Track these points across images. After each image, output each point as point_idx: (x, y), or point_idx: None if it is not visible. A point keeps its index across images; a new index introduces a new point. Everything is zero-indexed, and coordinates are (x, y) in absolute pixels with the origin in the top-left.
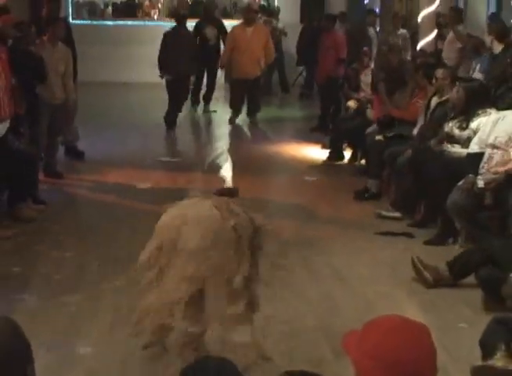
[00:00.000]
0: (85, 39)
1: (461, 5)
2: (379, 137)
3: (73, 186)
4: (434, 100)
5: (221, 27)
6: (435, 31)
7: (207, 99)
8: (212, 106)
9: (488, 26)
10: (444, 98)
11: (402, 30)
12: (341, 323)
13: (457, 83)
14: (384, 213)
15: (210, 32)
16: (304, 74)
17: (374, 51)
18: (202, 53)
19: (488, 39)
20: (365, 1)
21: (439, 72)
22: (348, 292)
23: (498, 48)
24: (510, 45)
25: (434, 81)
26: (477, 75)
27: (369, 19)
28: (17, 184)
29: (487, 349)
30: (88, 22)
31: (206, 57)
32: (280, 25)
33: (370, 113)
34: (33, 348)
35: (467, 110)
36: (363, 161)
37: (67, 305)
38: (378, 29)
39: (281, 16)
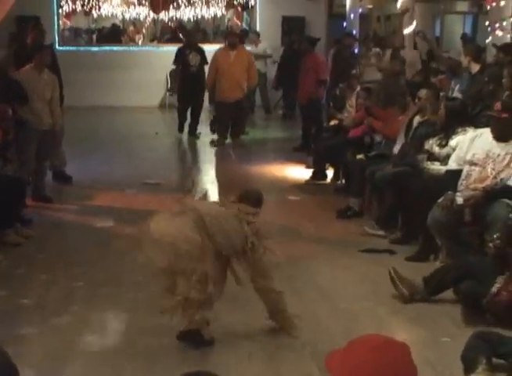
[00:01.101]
0: (71, 65)
1: (438, 27)
2: (360, 156)
3: (61, 210)
4: (417, 119)
5: (204, 54)
6: (414, 52)
7: (193, 130)
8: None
9: (463, 47)
10: (426, 117)
11: (375, 49)
12: (327, 340)
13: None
14: (368, 230)
15: (193, 58)
16: (282, 97)
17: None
18: (184, 80)
19: (465, 60)
20: (345, 25)
21: (422, 92)
22: (333, 309)
23: (475, 68)
24: (486, 65)
25: (417, 100)
26: (457, 95)
27: (348, 42)
28: (4, 210)
29: (468, 364)
30: (74, 48)
31: (189, 85)
32: (262, 48)
33: (348, 120)
34: (22, 371)
35: (448, 128)
36: (344, 180)
37: (57, 328)
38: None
39: (262, 38)
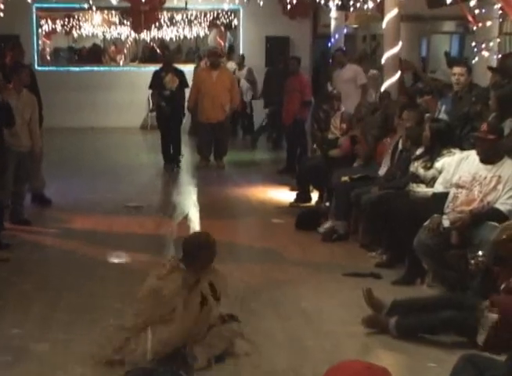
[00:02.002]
0: (51, 85)
1: (424, 47)
2: (345, 178)
3: (41, 234)
4: (401, 142)
5: (183, 77)
6: (398, 73)
7: (176, 160)
8: None
9: (467, 67)
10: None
11: (373, 71)
12: (311, 365)
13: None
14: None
15: (169, 81)
16: (265, 120)
17: None
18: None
19: (467, 78)
20: (329, 44)
21: (405, 113)
22: (317, 334)
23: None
24: (474, 86)
25: (400, 121)
26: (443, 116)
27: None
28: None
29: None
30: (54, 68)
31: (165, 110)
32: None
33: (334, 152)
34: None
35: (432, 150)
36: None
37: (35, 355)
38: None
39: (246, 59)
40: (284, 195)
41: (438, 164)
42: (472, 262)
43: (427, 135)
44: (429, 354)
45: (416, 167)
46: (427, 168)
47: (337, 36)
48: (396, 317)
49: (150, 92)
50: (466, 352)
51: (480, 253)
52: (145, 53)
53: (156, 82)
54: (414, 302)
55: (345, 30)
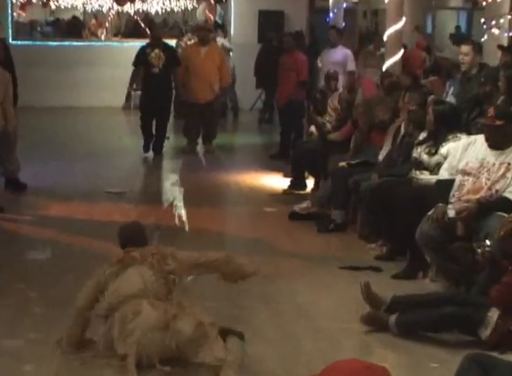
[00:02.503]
0: (26, 61)
1: (429, 24)
2: (342, 164)
3: (15, 221)
4: (403, 126)
5: (173, 54)
6: (402, 51)
7: (158, 148)
8: None
9: (473, 45)
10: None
11: (383, 50)
12: (305, 365)
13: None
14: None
15: (155, 57)
16: (263, 97)
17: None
18: (146, 85)
19: (474, 58)
20: (328, 19)
21: (407, 95)
22: (313, 331)
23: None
24: (484, 65)
25: (401, 103)
26: (451, 99)
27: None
28: None
29: None
30: (30, 42)
31: (152, 90)
32: (226, 42)
33: (333, 135)
34: None
35: (437, 135)
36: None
37: (8, 350)
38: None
39: (237, 34)
40: (277, 182)
41: (443, 150)
42: (479, 250)
43: (431, 119)
44: (431, 354)
45: (420, 152)
46: (431, 154)
47: (335, 11)
48: (396, 314)
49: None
50: (470, 352)
51: (487, 242)
52: (128, 27)
53: (141, 59)
54: (415, 298)
55: (345, 5)
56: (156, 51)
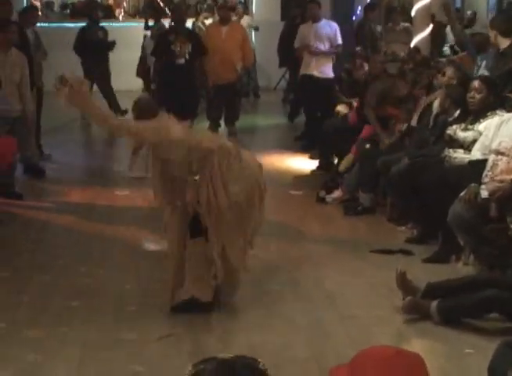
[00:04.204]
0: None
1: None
2: (369, 145)
3: (33, 209)
4: (437, 104)
5: (199, 41)
6: (430, 27)
7: None
8: None
9: (490, 20)
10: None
11: (404, 24)
12: (334, 352)
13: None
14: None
15: (180, 46)
16: (287, 76)
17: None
18: (166, 78)
19: (491, 35)
20: None
21: (450, 71)
22: (341, 317)
23: (504, 43)
24: None
25: (440, 76)
26: (483, 72)
27: (371, 15)
28: None
29: (496, 375)
30: (45, 25)
31: (174, 84)
32: (248, 21)
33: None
34: None
35: (478, 111)
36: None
37: (30, 340)
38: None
39: (259, 12)
40: (303, 163)
41: (480, 126)
42: None
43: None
44: (466, 340)
45: (455, 129)
46: (468, 130)
47: None
48: (438, 301)
49: (153, 59)
50: (508, 338)
51: None
52: (147, 7)
53: (162, 48)
54: (451, 284)
55: None
56: (181, 38)
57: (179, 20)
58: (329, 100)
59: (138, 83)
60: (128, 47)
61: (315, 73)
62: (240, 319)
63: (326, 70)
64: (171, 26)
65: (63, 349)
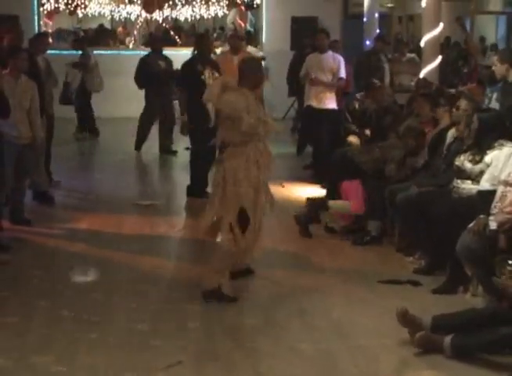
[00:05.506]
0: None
1: (468, 28)
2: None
3: (42, 235)
4: (451, 133)
5: (219, 71)
6: (439, 58)
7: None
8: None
9: (501, 53)
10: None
11: (410, 55)
12: None
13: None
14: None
15: (210, 77)
16: (296, 105)
17: (386, 80)
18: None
19: (501, 68)
20: (363, 25)
21: (463, 103)
22: (349, 348)
23: None
24: None
25: (454, 110)
26: (494, 105)
27: (379, 46)
28: None
29: None
30: (57, 52)
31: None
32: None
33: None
34: None
35: (481, 143)
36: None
37: (39, 366)
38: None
39: (269, 41)
40: (312, 192)
41: (487, 158)
42: None
43: (475, 127)
44: (475, 372)
45: (462, 160)
46: (475, 162)
47: (370, 16)
48: (451, 336)
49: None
50: None
51: None
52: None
53: (193, 80)
54: (460, 318)
55: (379, 11)
56: (209, 69)
57: (206, 50)
58: (335, 131)
59: None
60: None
61: (314, 103)
62: (247, 348)
63: (327, 101)
64: (197, 55)
65: (72, 374)
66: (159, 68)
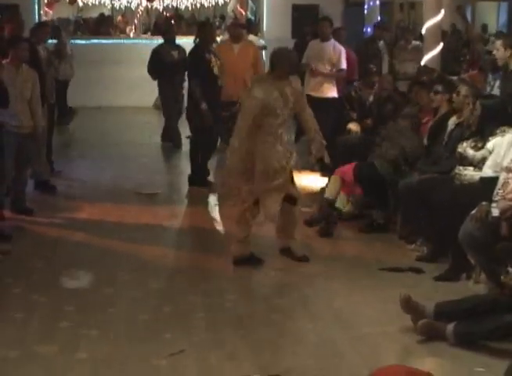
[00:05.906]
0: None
1: (468, 16)
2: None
3: (44, 224)
4: (453, 120)
5: (221, 60)
6: (441, 45)
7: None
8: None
9: (503, 38)
10: (462, 118)
11: (415, 42)
12: (345, 371)
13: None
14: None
15: (216, 65)
16: None
17: (385, 67)
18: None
19: (504, 54)
20: (365, 13)
21: (463, 89)
22: (352, 336)
23: None
24: None
25: (455, 96)
26: (496, 92)
27: (377, 33)
28: None
29: None
30: (56, 41)
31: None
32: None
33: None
34: None
35: (484, 130)
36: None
37: (41, 356)
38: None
39: (270, 29)
40: (313, 181)
41: (489, 145)
42: None
43: (478, 113)
44: (477, 359)
45: (465, 147)
46: (477, 148)
47: (371, 3)
48: (454, 323)
49: (185, 81)
50: None
51: None
52: (158, 24)
53: (201, 67)
54: (463, 305)
55: None
56: (215, 58)
57: (211, 39)
58: (336, 119)
59: (148, 100)
60: (137, 64)
61: (312, 93)
62: (250, 337)
63: (326, 91)
64: (201, 43)
65: (74, 366)
66: (171, 58)
